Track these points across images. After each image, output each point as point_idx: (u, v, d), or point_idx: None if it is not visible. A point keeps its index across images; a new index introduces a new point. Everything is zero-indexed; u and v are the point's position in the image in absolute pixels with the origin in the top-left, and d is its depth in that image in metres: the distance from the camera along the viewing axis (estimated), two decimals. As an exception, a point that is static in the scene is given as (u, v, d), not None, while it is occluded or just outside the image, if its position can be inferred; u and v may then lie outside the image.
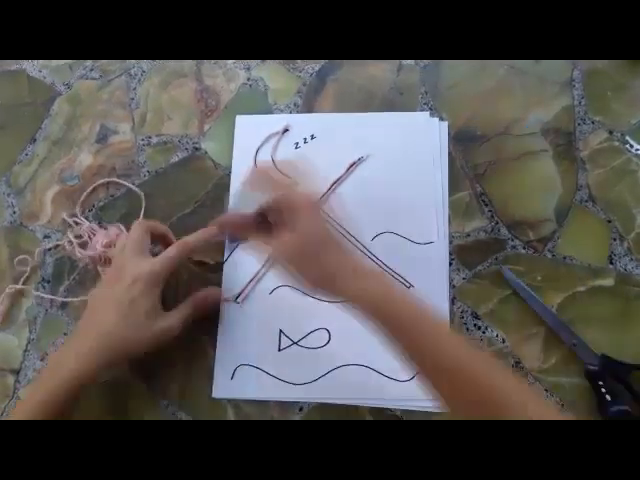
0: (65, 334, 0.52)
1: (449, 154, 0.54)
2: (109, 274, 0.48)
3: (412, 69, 0.59)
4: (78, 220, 0.56)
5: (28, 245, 0.56)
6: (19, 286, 0.54)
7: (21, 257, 0.55)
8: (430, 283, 0.49)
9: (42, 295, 0.53)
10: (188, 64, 0.62)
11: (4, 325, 0.53)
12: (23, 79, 0.64)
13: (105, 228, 0.55)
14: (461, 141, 0.55)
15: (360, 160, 0.55)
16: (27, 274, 0.54)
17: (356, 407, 0.46)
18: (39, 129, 0.61)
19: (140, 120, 0.60)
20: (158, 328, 0.45)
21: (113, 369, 0.45)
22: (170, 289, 0.49)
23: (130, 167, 0.58)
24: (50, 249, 0.55)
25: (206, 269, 0.51)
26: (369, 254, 0.51)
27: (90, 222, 0.55)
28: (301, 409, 0.47)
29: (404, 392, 0.46)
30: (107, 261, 0.52)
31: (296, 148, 0.56)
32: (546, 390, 0.45)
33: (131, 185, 0.57)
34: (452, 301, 0.49)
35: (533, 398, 0.35)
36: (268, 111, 0.59)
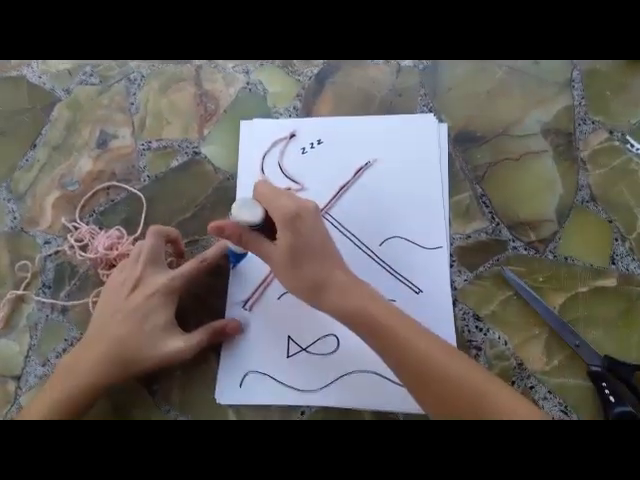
0: (66, 340, 0.52)
1: (449, 156, 0.54)
2: (119, 280, 0.47)
3: (411, 71, 0.59)
4: (77, 225, 0.56)
5: (29, 251, 0.56)
6: (20, 292, 0.54)
7: (22, 263, 0.55)
8: (437, 287, 0.49)
9: (43, 300, 0.53)
10: (187, 68, 0.63)
11: (5, 331, 0.53)
12: (23, 85, 0.65)
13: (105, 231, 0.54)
14: (461, 142, 0.55)
15: (367, 165, 0.55)
16: (28, 280, 0.54)
17: (358, 411, 0.46)
18: (39, 135, 0.61)
19: (140, 125, 0.60)
20: (173, 347, 0.44)
21: (121, 382, 0.45)
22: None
23: (130, 172, 0.58)
24: (51, 255, 0.55)
25: (212, 275, 0.50)
26: (377, 259, 0.50)
27: (89, 226, 0.55)
28: (303, 413, 0.47)
29: (413, 399, 0.45)
30: (108, 264, 0.52)
31: (303, 153, 0.56)
32: (549, 392, 0.45)
33: (132, 188, 0.57)
34: (453, 303, 0.49)
35: (524, 405, 0.36)
36: (267, 115, 0.59)
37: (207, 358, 0.49)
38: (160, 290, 0.45)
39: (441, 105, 0.57)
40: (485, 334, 0.48)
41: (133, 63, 0.64)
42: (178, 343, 0.45)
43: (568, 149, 0.53)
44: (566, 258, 0.49)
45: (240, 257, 0.49)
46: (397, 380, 0.45)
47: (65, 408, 0.42)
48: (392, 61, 0.60)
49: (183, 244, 0.52)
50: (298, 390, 0.47)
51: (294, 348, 0.48)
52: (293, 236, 0.40)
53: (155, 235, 0.48)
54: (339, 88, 0.59)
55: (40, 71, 0.65)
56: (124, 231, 0.54)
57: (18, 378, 0.51)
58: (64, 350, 0.51)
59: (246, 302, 0.51)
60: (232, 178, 0.56)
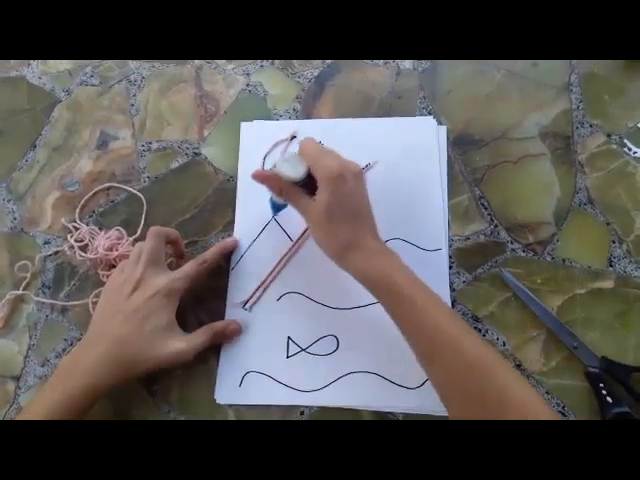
0: (65, 340, 0.52)
1: (448, 158, 0.54)
2: (119, 281, 0.47)
3: (410, 74, 0.59)
4: (77, 225, 0.56)
5: (28, 251, 0.56)
6: (19, 292, 0.54)
7: (21, 263, 0.55)
8: (437, 289, 0.49)
9: (43, 300, 0.53)
10: (187, 70, 0.63)
11: (4, 331, 0.53)
12: (23, 86, 0.65)
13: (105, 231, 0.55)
14: (460, 145, 0.55)
15: (367, 167, 0.55)
16: (27, 280, 0.54)
17: (357, 411, 0.46)
18: (39, 135, 0.62)
19: (140, 126, 0.61)
20: (174, 348, 0.45)
21: (121, 383, 0.45)
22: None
23: (130, 173, 0.58)
24: (50, 255, 0.55)
25: (212, 275, 0.51)
26: (270, 207, 0.51)
27: (89, 226, 0.55)
28: (302, 413, 0.47)
29: (413, 400, 0.45)
30: (108, 264, 0.52)
31: None
32: (547, 392, 0.45)
33: (132, 189, 0.57)
34: (452, 304, 0.49)
35: (533, 396, 0.36)
36: (267, 116, 0.59)
37: (207, 358, 0.49)
38: (161, 291, 0.45)
39: (440, 108, 0.57)
40: (484, 335, 0.48)
41: (133, 64, 0.64)
42: (179, 344, 0.45)
43: (566, 152, 0.54)
44: (564, 260, 0.50)
45: (280, 207, 0.50)
46: (396, 380, 0.46)
47: (65, 409, 0.42)
48: (392, 64, 0.60)
49: (183, 245, 0.52)
50: (297, 390, 0.47)
51: (294, 348, 0.49)
52: (332, 195, 0.41)
53: (155, 236, 0.48)
54: (339, 90, 0.60)
55: (40, 72, 0.65)
56: (124, 232, 0.54)
57: (17, 378, 0.51)
58: (64, 350, 0.52)
59: (246, 303, 0.51)
60: (232, 179, 0.56)
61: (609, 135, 0.54)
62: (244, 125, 0.59)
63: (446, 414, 0.45)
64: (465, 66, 0.59)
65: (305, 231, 0.52)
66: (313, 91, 0.60)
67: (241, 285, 0.52)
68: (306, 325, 0.49)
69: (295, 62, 0.62)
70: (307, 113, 0.59)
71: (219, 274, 0.52)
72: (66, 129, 0.62)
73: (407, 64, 0.60)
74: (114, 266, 0.52)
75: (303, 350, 0.48)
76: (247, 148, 0.58)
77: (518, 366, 0.46)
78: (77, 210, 0.57)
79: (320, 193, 0.42)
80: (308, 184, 0.43)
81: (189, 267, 0.48)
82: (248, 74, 0.62)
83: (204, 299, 0.51)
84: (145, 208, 0.56)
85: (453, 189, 0.53)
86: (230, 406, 0.48)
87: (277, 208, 0.50)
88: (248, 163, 0.57)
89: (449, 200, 0.53)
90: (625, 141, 0.53)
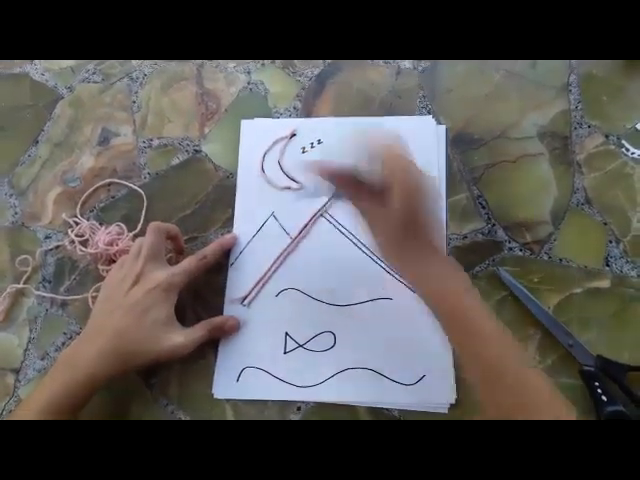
0: (65, 333, 0.52)
1: (447, 157, 0.55)
2: (119, 276, 0.47)
3: (410, 73, 0.59)
4: (78, 220, 0.56)
5: (29, 245, 0.56)
6: (20, 286, 0.54)
7: (22, 257, 0.55)
8: None
9: (43, 294, 0.54)
10: (189, 68, 0.63)
11: (5, 324, 0.54)
12: (26, 82, 0.65)
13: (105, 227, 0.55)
14: (459, 144, 0.55)
15: None
16: (28, 274, 0.55)
17: (353, 407, 0.47)
18: (41, 131, 0.62)
19: (141, 123, 0.61)
20: (172, 343, 0.45)
21: (119, 375, 0.45)
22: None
23: (131, 169, 0.59)
24: (51, 249, 0.56)
25: (211, 271, 0.51)
26: (375, 258, 0.51)
27: (89, 222, 0.56)
28: (299, 409, 0.47)
29: (409, 396, 0.46)
30: (108, 259, 0.53)
31: (303, 153, 0.57)
32: (542, 391, 0.46)
33: (132, 185, 0.57)
34: (449, 302, 0.49)
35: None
36: (268, 114, 0.60)
37: (205, 353, 0.49)
38: (160, 285, 0.46)
39: (440, 107, 0.57)
40: (480, 333, 0.48)
41: (135, 62, 0.64)
42: (178, 338, 0.45)
43: (564, 152, 0.54)
44: (561, 259, 0.50)
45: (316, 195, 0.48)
46: (393, 377, 0.46)
47: (65, 399, 0.42)
48: (392, 63, 0.60)
49: (183, 241, 0.53)
50: (294, 386, 0.47)
51: (291, 344, 0.49)
52: (410, 208, 0.38)
53: (155, 232, 0.48)
54: (339, 89, 0.60)
55: (43, 68, 0.66)
56: (124, 227, 0.55)
57: (17, 371, 0.52)
58: (63, 344, 0.52)
59: (244, 298, 0.51)
60: (232, 176, 0.57)
61: (607, 136, 0.54)
62: (244, 123, 0.59)
63: (441, 411, 0.46)
64: (465, 66, 0.59)
65: (304, 228, 0.53)
66: (313, 90, 0.60)
67: (240, 281, 0.52)
68: (304, 321, 0.50)
69: (296, 61, 0.62)
70: (307, 111, 0.59)
71: (218, 270, 0.52)
72: (68, 125, 0.62)
73: (407, 63, 0.60)
74: (114, 261, 0.53)
75: (300, 346, 0.49)
76: (247, 145, 0.58)
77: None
78: (78, 205, 0.57)
79: (396, 204, 0.38)
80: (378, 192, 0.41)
81: (188, 262, 0.48)
82: (249, 72, 0.62)
83: (203, 295, 0.52)
84: (145, 204, 0.56)
85: (451, 188, 0.53)
86: (227, 401, 0.48)
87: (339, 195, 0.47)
88: (248, 160, 0.57)
89: (447, 199, 0.53)
90: (623, 142, 0.53)
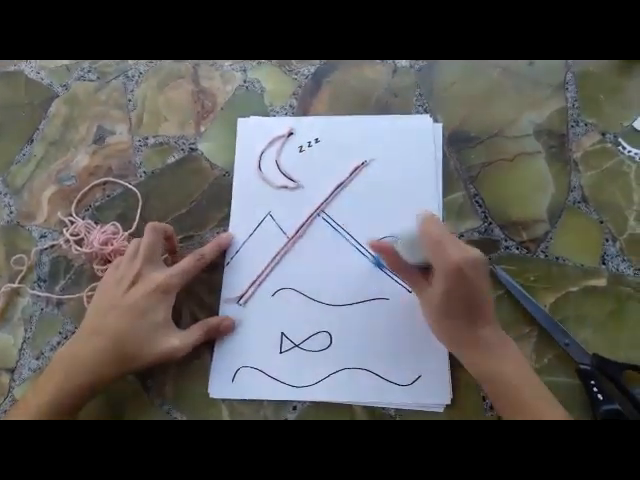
0: (60, 333, 0.52)
1: (443, 155, 0.55)
2: (115, 276, 0.47)
3: (407, 71, 0.59)
4: (73, 219, 0.56)
5: (24, 244, 0.56)
6: (15, 285, 0.54)
7: (17, 256, 0.55)
8: None
9: (38, 294, 0.53)
10: (185, 66, 0.63)
11: (0, 324, 0.53)
12: (21, 80, 0.65)
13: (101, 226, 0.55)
14: (455, 143, 0.55)
15: (364, 164, 0.55)
16: (23, 273, 0.55)
17: (349, 406, 0.46)
18: (37, 130, 0.62)
19: (137, 121, 0.61)
20: (169, 346, 0.45)
21: (117, 379, 0.45)
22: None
23: (126, 168, 0.58)
24: (46, 248, 0.56)
25: (207, 270, 0.51)
26: (372, 258, 0.51)
27: (84, 220, 0.56)
28: (295, 408, 0.47)
29: (405, 396, 0.46)
30: (103, 259, 0.53)
31: (300, 152, 0.57)
32: (539, 389, 0.46)
33: (127, 184, 0.57)
34: (446, 301, 0.49)
35: None
36: (264, 113, 0.59)
37: (201, 353, 0.49)
38: (159, 287, 0.45)
39: (436, 105, 0.57)
40: (476, 332, 0.48)
41: (131, 60, 0.64)
42: (175, 341, 0.45)
43: (561, 151, 0.54)
44: (557, 258, 0.50)
45: (382, 265, 0.50)
46: (389, 377, 0.46)
47: (63, 402, 0.42)
48: (389, 61, 0.60)
49: (177, 241, 0.52)
50: (290, 386, 0.47)
51: (287, 344, 0.49)
52: (449, 290, 0.38)
53: (154, 232, 0.48)
54: (335, 87, 0.60)
55: (38, 66, 0.66)
56: (119, 227, 0.54)
57: (12, 371, 0.51)
58: (58, 343, 0.52)
59: (240, 298, 0.51)
60: (228, 174, 0.57)
61: (604, 134, 0.54)
62: (241, 121, 0.59)
63: (436, 410, 0.46)
64: (461, 64, 0.59)
65: (300, 227, 0.53)
66: (310, 88, 0.60)
67: (236, 280, 0.52)
68: (300, 321, 0.49)
69: (292, 59, 0.62)
70: (303, 110, 0.59)
71: (214, 269, 0.52)
72: (63, 124, 0.62)
73: (404, 62, 0.60)
74: (109, 261, 0.53)
75: (296, 346, 0.49)
76: (244, 144, 0.58)
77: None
78: (73, 204, 0.57)
79: (437, 284, 0.39)
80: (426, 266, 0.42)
81: (186, 263, 0.48)
82: (245, 70, 0.62)
83: (198, 294, 0.52)
84: (141, 203, 0.56)
85: (448, 186, 0.53)
86: (223, 400, 0.48)
87: (382, 265, 0.50)
88: (244, 159, 0.57)
89: (444, 197, 0.53)
90: (620, 140, 0.53)
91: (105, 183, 0.58)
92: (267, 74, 0.62)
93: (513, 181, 0.53)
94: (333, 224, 0.53)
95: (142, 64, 0.64)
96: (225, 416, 0.47)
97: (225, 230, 0.54)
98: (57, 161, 0.60)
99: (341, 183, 0.54)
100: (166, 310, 0.46)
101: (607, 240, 0.50)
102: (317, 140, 0.57)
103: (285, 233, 0.53)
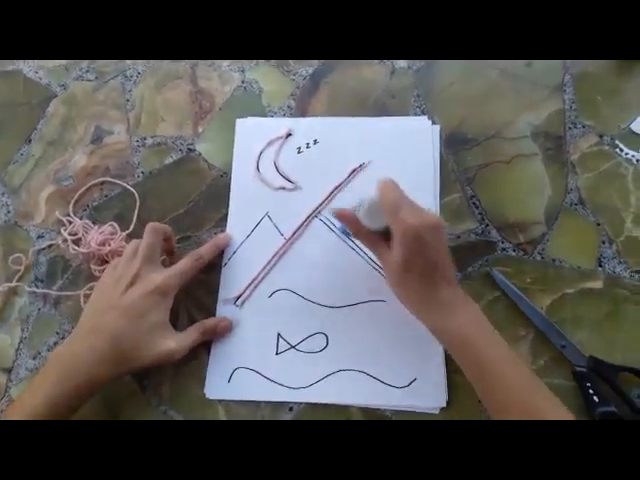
0: (57, 333, 0.52)
1: (440, 157, 0.55)
2: (114, 276, 0.47)
3: (405, 72, 0.59)
4: (71, 219, 0.56)
5: (22, 244, 0.56)
6: (12, 284, 0.54)
7: (15, 256, 0.55)
8: None
9: (35, 290, 0.53)
10: (183, 66, 0.63)
11: (-4, 324, 0.53)
12: (19, 80, 0.65)
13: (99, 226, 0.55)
14: (452, 144, 0.55)
15: (362, 166, 0.55)
16: (21, 273, 0.55)
17: (346, 407, 0.46)
18: (35, 130, 0.62)
19: (135, 121, 0.61)
20: (166, 347, 0.45)
21: (114, 380, 0.45)
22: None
23: (124, 168, 0.58)
24: (44, 248, 0.56)
25: (204, 271, 0.51)
26: (368, 260, 0.51)
27: (82, 220, 0.56)
28: (291, 409, 0.47)
29: (400, 398, 0.45)
30: (100, 259, 0.53)
31: (299, 153, 0.57)
32: (534, 391, 0.46)
33: (125, 184, 0.57)
34: (442, 302, 0.49)
35: None
36: (262, 113, 0.59)
37: (197, 353, 0.49)
38: (157, 289, 0.45)
39: (434, 106, 0.57)
40: (472, 334, 0.48)
41: (129, 60, 0.64)
42: (171, 343, 0.45)
43: (558, 152, 0.54)
44: (554, 260, 0.50)
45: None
46: (384, 379, 0.46)
47: (61, 402, 0.42)
48: (387, 62, 0.60)
49: (175, 242, 0.52)
50: (286, 387, 0.47)
51: (283, 345, 0.49)
52: (408, 252, 0.39)
53: (153, 232, 0.48)
54: (333, 88, 0.60)
55: (37, 66, 0.66)
56: (117, 227, 0.54)
57: (9, 371, 0.52)
58: (55, 343, 0.52)
59: (237, 299, 0.51)
60: (225, 175, 0.57)
61: (601, 136, 0.54)
62: (239, 122, 0.59)
63: (432, 412, 0.46)
64: (459, 65, 0.59)
65: (298, 229, 0.53)
66: (308, 88, 0.60)
67: (233, 281, 0.52)
68: (296, 322, 0.49)
69: (290, 60, 0.62)
70: (301, 110, 0.59)
71: (211, 270, 0.52)
72: (61, 124, 0.62)
73: (402, 62, 0.60)
74: (106, 261, 0.53)
75: (293, 347, 0.49)
76: (242, 145, 0.58)
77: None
78: (71, 204, 0.57)
79: (395, 247, 0.40)
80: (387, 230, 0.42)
81: (184, 264, 0.48)
82: (243, 71, 0.62)
83: (196, 294, 0.52)
84: (138, 203, 0.56)
85: (445, 188, 0.53)
86: (220, 401, 0.48)
87: (348, 234, 0.50)
88: (242, 160, 0.57)
89: (441, 199, 0.53)
90: (617, 142, 0.53)
91: (103, 183, 0.58)
92: (265, 75, 0.62)
93: (510, 183, 0.53)
94: (330, 225, 0.53)
95: (140, 64, 0.64)
96: (221, 417, 0.47)
97: (223, 231, 0.54)
98: (55, 161, 0.60)
99: (339, 185, 0.54)
100: (164, 312, 0.46)
101: (604, 242, 0.50)
102: (315, 141, 0.57)
103: (283, 234, 0.53)
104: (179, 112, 0.61)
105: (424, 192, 0.53)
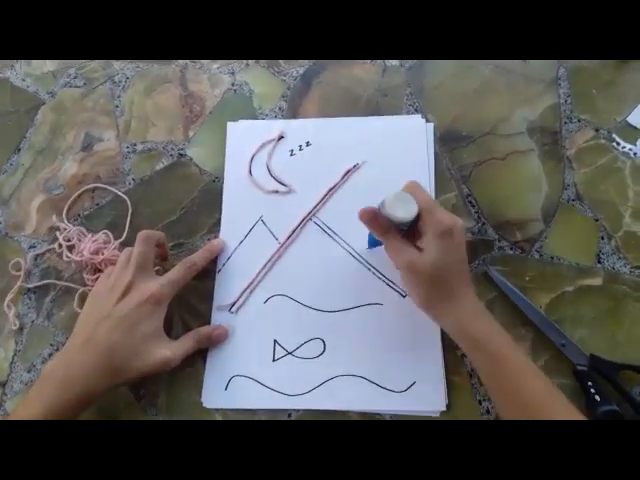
0: (52, 345, 0.51)
1: (435, 155, 0.54)
2: (107, 286, 0.46)
3: (397, 70, 0.59)
4: (65, 225, 0.55)
5: (14, 255, 0.55)
6: (6, 297, 0.53)
7: (15, 260, 0.54)
8: None
9: (28, 304, 0.53)
10: (172, 70, 0.62)
11: (-11, 337, 0.53)
12: (6, 88, 0.64)
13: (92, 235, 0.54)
14: (447, 142, 0.54)
15: (355, 167, 0.54)
16: (17, 286, 0.54)
17: (344, 413, 0.46)
18: (23, 138, 0.61)
19: (125, 127, 0.60)
20: (161, 357, 0.44)
21: (109, 391, 0.44)
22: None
23: (115, 175, 0.58)
24: (36, 259, 0.55)
25: (198, 278, 0.50)
26: (365, 262, 0.50)
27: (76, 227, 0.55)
28: (290, 416, 0.46)
29: (399, 403, 0.45)
30: (93, 268, 0.52)
31: (291, 155, 0.56)
32: (535, 391, 0.45)
33: (117, 191, 0.56)
34: (440, 303, 0.48)
35: None
36: (253, 116, 0.59)
37: (194, 362, 0.49)
38: (151, 298, 0.45)
39: (427, 104, 0.56)
40: (472, 334, 0.47)
41: (117, 64, 0.63)
42: (165, 352, 0.44)
43: (554, 148, 0.53)
44: (552, 257, 0.49)
45: (379, 243, 0.47)
46: (383, 384, 0.46)
47: (59, 417, 0.41)
48: (378, 60, 0.59)
49: (168, 247, 0.52)
50: (284, 394, 0.46)
51: (280, 352, 0.48)
52: (443, 251, 0.40)
53: (145, 240, 0.47)
54: (325, 88, 0.59)
55: (24, 74, 0.65)
56: (111, 235, 0.54)
57: (3, 384, 0.51)
58: (50, 355, 0.51)
59: (232, 305, 0.50)
60: (218, 180, 0.56)
61: (597, 130, 0.53)
62: (230, 125, 0.58)
63: (432, 415, 0.45)
64: (452, 62, 0.58)
65: (293, 232, 0.52)
66: (299, 89, 0.59)
67: (227, 288, 0.51)
68: (293, 328, 0.49)
69: (281, 60, 0.61)
70: (293, 112, 0.58)
71: (205, 276, 0.51)
72: (50, 131, 0.61)
73: (393, 61, 0.59)
74: (99, 270, 0.52)
75: (289, 353, 0.48)
76: (233, 148, 0.57)
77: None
78: (63, 213, 0.56)
79: (429, 246, 0.40)
80: (410, 229, 0.42)
81: (178, 272, 0.47)
82: (233, 73, 0.61)
83: (190, 302, 0.51)
84: (130, 210, 0.55)
85: (440, 187, 0.53)
86: (217, 410, 0.47)
87: (375, 243, 0.48)
88: (234, 163, 0.56)
89: (436, 198, 0.52)
90: (614, 136, 0.53)
91: (94, 190, 0.57)
92: (255, 76, 0.61)
93: (506, 180, 0.52)
94: (325, 229, 0.52)
95: (129, 69, 0.63)
96: (219, 425, 0.47)
97: (216, 237, 0.53)
98: (45, 170, 0.59)
99: (333, 187, 0.54)
100: (158, 321, 0.45)
101: (602, 238, 0.49)
102: (308, 143, 0.56)
103: (277, 238, 0.52)
104: (169, 117, 0.60)
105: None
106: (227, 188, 0.55)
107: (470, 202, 0.52)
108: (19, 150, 0.61)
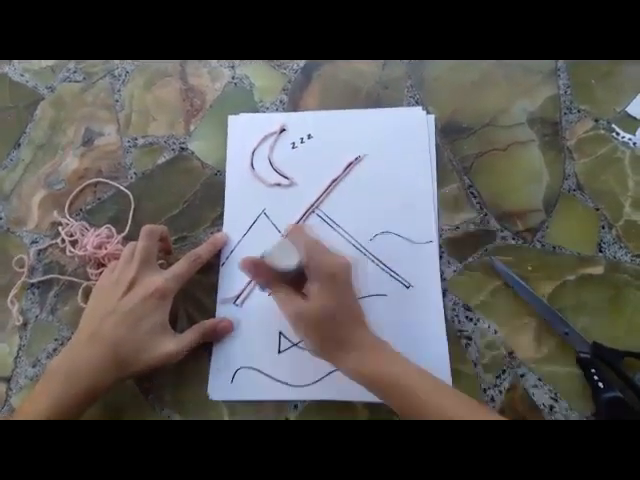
0: (56, 340, 0.51)
1: (437, 147, 0.54)
2: (111, 280, 0.46)
3: (397, 63, 0.59)
4: (67, 220, 0.55)
5: (16, 250, 0.55)
6: (10, 292, 0.53)
7: (18, 257, 0.54)
8: (427, 281, 0.49)
9: (32, 300, 0.53)
10: (172, 64, 0.62)
11: (-6, 332, 0.53)
12: (5, 83, 0.64)
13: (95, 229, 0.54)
14: (448, 134, 0.55)
15: (357, 159, 0.54)
16: (20, 282, 0.54)
17: (351, 404, 0.46)
18: (23, 134, 0.61)
19: (125, 122, 0.60)
20: (166, 350, 0.44)
21: (114, 385, 0.44)
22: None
23: (116, 169, 0.58)
24: (39, 254, 0.55)
25: (202, 271, 0.50)
26: (368, 254, 0.50)
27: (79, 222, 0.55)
28: (296, 407, 0.47)
29: None
30: (96, 263, 0.52)
31: (293, 148, 0.56)
32: (539, 379, 0.46)
33: (119, 186, 0.56)
34: (443, 293, 0.49)
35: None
36: (254, 109, 0.59)
37: (199, 355, 0.49)
38: (156, 292, 0.45)
39: (428, 96, 0.57)
40: (475, 324, 0.48)
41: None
42: (170, 345, 0.45)
43: (554, 138, 0.53)
44: (554, 247, 0.49)
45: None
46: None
47: (65, 412, 0.41)
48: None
49: (171, 241, 0.52)
50: (289, 385, 0.47)
51: (285, 343, 0.48)
52: (328, 297, 0.40)
53: (149, 235, 0.47)
54: (325, 81, 0.59)
55: (22, 69, 0.64)
56: (114, 230, 0.54)
57: (8, 380, 0.51)
58: (54, 350, 0.51)
59: (237, 298, 0.50)
60: (220, 173, 0.56)
61: (597, 120, 0.54)
62: (231, 118, 0.58)
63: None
64: (452, 54, 0.58)
65: (295, 224, 0.52)
66: (300, 82, 0.59)
67: (231, 280, 0.51)
68: None
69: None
70: (294, 105, 0.58)
71: (209, 270, 0.51)
72: (50, 127, 0.61)
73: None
74: (102, 264, 0.52)
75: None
76: (235, 142, 0.57)
77: (510, 354, 0.46)
78: (65, 208, 0.56)
79: (314, 290, 0.40)
80: (299, 275, 0.42)
81: (182, 266, 0.47)
82: (233, 67, 0.61)
83: (195, 295, 0.51)
84: (133, 205, 0.55)
85: (442, 178, 0.53)
86: (224, 402, 0.47)
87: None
88: (236, 157, 0.56)
89: (438, 189, 0.52)
90: (613, 126, 0.53)
91: (96, 185, 0.57)
92: (256, 70, 0.61)
93: (507, 171, 0.53)
94: (328, 221, 0.52)
95: (128, 63, 0.63)
96: (226, 417, 0.47)
97: (219, 230, 0.53)
98: (45, 165, 0.59)
99: (335, 179, 0.54)
100: (163, 315, 0.45)
101: (603, 227, 0.50)
102: (310, 136, 0.56)
103: (280, 231, 0.52)
104: (170, 111, 0.60)
105: (421, 183, 0.53)
106: (229, 182, 0.55)
107: (472, 193, 0.52)
108: (19, 145, 0.60)
